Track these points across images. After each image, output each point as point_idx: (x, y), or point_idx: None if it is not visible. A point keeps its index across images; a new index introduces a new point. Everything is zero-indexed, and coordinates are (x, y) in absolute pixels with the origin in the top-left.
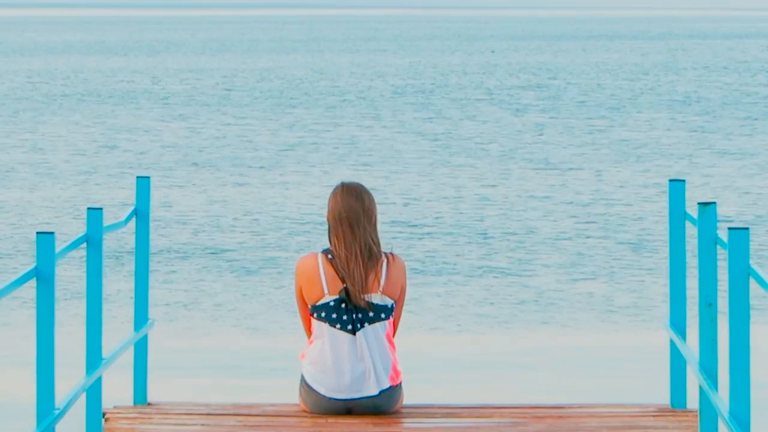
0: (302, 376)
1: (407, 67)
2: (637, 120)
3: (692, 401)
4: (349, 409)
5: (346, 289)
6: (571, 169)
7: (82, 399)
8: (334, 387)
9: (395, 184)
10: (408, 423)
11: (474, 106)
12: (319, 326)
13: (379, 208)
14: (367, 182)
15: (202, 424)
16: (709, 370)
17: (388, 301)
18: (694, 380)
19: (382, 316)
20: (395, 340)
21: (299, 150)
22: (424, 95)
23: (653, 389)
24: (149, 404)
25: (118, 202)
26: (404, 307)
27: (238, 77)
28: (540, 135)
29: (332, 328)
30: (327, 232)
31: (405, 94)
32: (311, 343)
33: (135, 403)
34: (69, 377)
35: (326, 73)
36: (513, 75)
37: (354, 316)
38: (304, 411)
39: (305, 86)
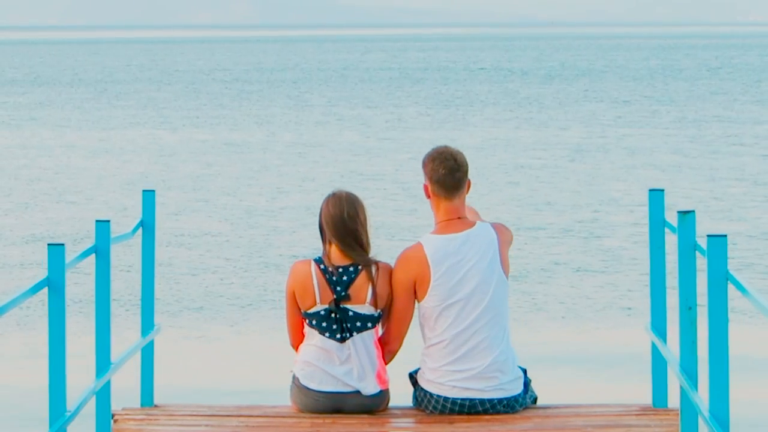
0: (293, 377)
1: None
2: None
3: (673, 401)
4: (338, 406)
5: (335, 300)
6: (560, 168)
7: (92, 401)
8: (323, 380)
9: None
10: (402, 423)
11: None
12: (310, 332)
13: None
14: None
15: (206, 425)
16: (689, 370)
17: (375, 311)
18: (674, 380)
19: (369, 325)
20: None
21: (300, 155)
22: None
23: (636, 390)
24: (156, 406)
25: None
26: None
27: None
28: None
29: (322, 336)
30: (320, 239)
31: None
32: (303, 345)
33: (142, 404)
34: (79, 381)
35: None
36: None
37: (343, 325)
38: (296, 411)
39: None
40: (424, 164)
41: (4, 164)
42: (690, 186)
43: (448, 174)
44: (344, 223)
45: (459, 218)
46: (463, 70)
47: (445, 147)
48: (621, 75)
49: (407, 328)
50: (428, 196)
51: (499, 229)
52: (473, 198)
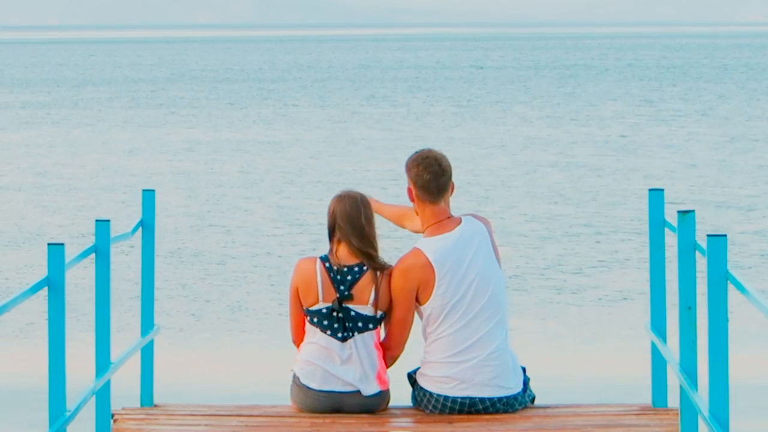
0: (294, 376)
1: None
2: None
3: (673, 400)
4: (338, 406)
5: (338, 299)
6: (564, 166)
7: (92, 401)
8: (324, 379)
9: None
10: (402, 422)
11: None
12: (312, 330)
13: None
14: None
15: (206, 425)
16: (688, 370)
17: (378, 313)
18: (674, 380)
19: (370, 326)
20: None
21: (301, 156)
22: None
23: (636, 390)
24: (155, 406)
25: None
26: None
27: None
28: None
29: (323, 334)
30: (327, 238)
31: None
32: (304, 344)
33: (142, 404)
34: (79, 381)
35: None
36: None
37: (345, 324)
38: (296, 410)
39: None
40: (408, 168)
41: (33, 163)
42: (715, 184)
43: (433, 179)
44: (363, 225)
45: (447, 218)
46: (477, 70)
47: (429, 151)
48: (634, 74)
49: (409, 333)
50: (412, 200)
51: (482, 219)
52: (500, 195)
